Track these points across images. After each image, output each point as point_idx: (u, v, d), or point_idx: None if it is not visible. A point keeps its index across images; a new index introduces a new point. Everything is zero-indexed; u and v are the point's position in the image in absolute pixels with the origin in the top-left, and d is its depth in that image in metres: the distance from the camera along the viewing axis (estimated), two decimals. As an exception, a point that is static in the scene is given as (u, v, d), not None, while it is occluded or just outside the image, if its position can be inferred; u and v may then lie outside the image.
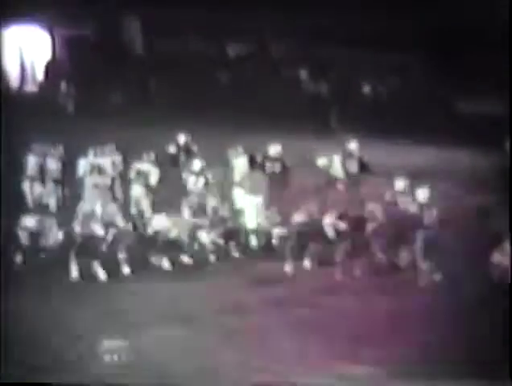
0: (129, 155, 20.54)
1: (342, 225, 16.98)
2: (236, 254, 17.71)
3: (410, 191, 17.58)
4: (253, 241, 17.97)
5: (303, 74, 35.86)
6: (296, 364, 12.31)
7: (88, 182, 18.94)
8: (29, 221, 16.60)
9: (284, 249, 17.24)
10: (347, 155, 20.37)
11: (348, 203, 18.84)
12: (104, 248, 16.44)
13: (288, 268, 16.86)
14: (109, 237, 16.55)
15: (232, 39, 36.79)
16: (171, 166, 20.53)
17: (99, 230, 16.34)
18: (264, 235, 17.93)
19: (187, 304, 14.87)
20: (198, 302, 14.96)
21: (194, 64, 35.99)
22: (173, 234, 16.94)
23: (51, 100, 34.20)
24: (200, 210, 18.09)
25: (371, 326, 13.88)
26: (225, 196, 19.10)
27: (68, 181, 19.94)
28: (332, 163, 20.37)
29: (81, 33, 36.79)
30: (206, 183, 18.87)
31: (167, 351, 12.76)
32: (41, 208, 18.32)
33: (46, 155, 19.77)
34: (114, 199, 18.52)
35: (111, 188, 18.71)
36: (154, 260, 16.83)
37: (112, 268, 16.23)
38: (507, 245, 16.05)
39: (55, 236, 16.47)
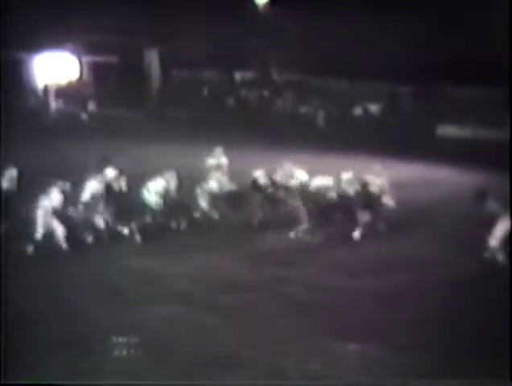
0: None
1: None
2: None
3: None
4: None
5: (303, 97, 37.31)
6: (290, 341, 12.20)
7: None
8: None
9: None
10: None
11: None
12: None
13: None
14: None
15: (238, 67, 38.27)
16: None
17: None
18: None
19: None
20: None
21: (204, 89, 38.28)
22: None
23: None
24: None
25: (364, 304, 13.78)
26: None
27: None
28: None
29: (106, 60, 39.11)
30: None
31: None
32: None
33: None
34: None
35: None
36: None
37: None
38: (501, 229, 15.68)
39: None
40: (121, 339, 11.98)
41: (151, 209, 17.85)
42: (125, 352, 11.73)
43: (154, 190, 17.80)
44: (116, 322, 12.64)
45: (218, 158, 20.58)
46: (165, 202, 17.97)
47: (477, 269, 15.50)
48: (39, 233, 16.31)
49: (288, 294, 14.36)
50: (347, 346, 12.17)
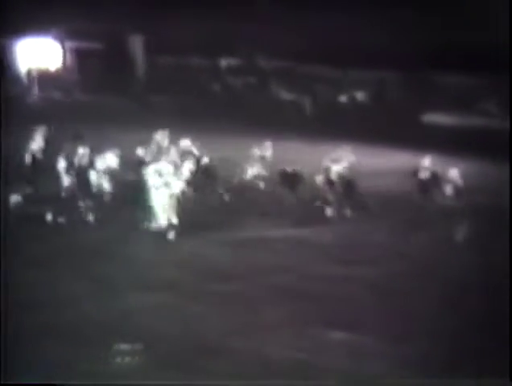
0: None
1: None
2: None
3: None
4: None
5: (288, 83, 37.28)
6: (279, 330, 12.29)
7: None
8: None
9: None
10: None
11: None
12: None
13: None
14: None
15: (224, 53, 38.21)
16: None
17: None
18: None
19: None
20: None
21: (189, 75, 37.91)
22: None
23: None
24: None
25: (356, 293, 13.89)
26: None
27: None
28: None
29: (90, 46, 38.81)
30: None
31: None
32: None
33: None
34: None
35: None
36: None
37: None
38: None
39: None
40: (109, 328, 12.11)
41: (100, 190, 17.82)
42: (114, 341, 11.74)
43: (102, 169, 17.60)
44: (105, 310, 12.73)
45: (264, 151, 21.67)
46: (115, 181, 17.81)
47: (474, 261, 15.56)
48: None
49: (277, 283, 14.33)
50: (337, 335, 12.17)
